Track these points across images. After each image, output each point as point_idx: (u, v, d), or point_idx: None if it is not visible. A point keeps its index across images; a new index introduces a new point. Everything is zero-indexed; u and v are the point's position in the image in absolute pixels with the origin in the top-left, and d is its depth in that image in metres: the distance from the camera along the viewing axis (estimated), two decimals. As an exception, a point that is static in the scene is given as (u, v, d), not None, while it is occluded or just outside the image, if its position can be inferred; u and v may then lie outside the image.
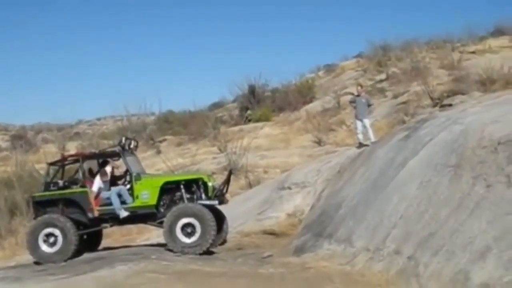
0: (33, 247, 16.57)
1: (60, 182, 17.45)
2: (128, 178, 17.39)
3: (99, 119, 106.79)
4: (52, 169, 18.02)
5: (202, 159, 35.93)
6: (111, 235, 22.15)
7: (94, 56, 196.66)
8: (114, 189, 16.79)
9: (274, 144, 37.62)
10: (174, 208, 16.35)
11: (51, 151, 42.69)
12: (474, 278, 10.06)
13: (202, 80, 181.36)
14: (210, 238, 15.88)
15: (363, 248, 13.47)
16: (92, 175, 17.87)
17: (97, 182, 17.04)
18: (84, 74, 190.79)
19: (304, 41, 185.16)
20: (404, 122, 27.59)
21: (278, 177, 25.81)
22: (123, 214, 16.43)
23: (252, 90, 51.98)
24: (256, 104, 50.20)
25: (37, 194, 17.72)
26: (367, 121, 23.74)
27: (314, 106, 46.50)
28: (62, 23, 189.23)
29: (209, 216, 15.92)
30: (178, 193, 16.95)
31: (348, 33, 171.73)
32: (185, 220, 15.96)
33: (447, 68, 42.41)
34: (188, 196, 16.81)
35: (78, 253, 16.63)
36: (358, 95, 24.36)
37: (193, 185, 16.96)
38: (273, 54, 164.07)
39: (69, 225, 16.44)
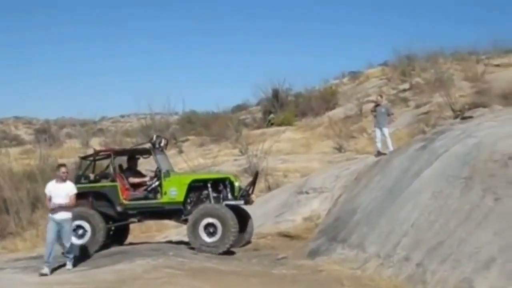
0: None
1: (91, 176, 17.93)
2: (155, 172, 17.82)
3: (122, 116, 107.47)
4: (84, 163, 18.51)
5: (223, 161, 36.27)
6: (131, 231, 22.58)
7: (119, 52, 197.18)
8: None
9: (295, 149, 37.94)
10: (201, 206, 16.85)
11: (74, 146, 43.40)
12: (477, 287, 10.41)
13: (226, 82, 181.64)
14: (229, 241, 16.31)
15: (375, 253, 13.77)
16: (122, 170, 18.39)
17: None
18: (109, 71, 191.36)
19: (330, 47, 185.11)
20: (424, 132, 27.79)
21: (297, 181, 26.13)
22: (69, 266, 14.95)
23: (275, 94, 52.34)
24: (279, 108, 50.55)
25: None
26: (386, 130, 24.05)
27: (337, 112, 46.79)
28: (88, 18, 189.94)
29: (232, 221, 16.35)
30: (205, 192, 17.44)
31: (375, 40, 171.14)
32: (209, 220, 16.38)
33: (471, 80, 42.51)
34: (214, 195, 17.28)
35: (105, 246, 17.09)
36: (378, 104, 24.69)
37: (220, 185, 17.43)
38: (299, 59, 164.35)
39: (97, 218, 16.93)
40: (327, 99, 51.05)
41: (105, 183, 17.62)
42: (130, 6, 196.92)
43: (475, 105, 32.76)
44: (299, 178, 27.32)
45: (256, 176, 18.36)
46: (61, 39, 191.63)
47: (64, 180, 14.84)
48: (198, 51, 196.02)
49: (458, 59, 52.64)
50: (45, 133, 61.85)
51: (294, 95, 54.81)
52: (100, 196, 17.47)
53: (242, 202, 17.17)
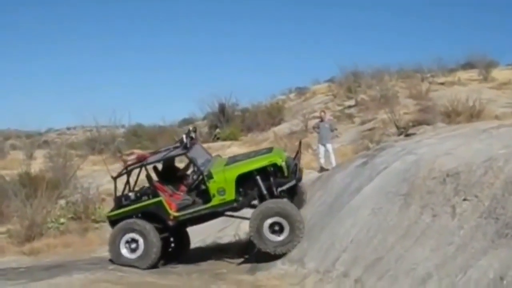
0: (116, 254, 16.31)
1: (132, 195, 16.88)
2: (196, 170, 17.07)
3: (68, 129, 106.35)
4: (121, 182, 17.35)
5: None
6: (72, 245, 22.35)
7: (65, 66, 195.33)
8: None
9: (240, 163, 37.85)
10: (256, 211, 15.78)
11: (18, 158, 42.78)
12: (413, 303, 10.48)
13: (173, 95, 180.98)
14: (300, 232, 15.45)
15: (314, 269, 13.78)
16: (158, 173, 17.83)
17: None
18: (55, 83, 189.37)
19: (278, 62, 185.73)
20: (368, 148, 27.99)
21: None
22: None
23: (222, 109, 52.47)
24: (225, 123, 50.64)
25: (111, 214, 17.06)
26: (330, 146, 24.22)
27: (282, 128, 46.97)
28: (33, 31, 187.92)
29: (293, 211, 15.57)
30: (254, 181, 16.45)
31: (323, 57, 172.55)
32: (270, 221, 15.46)
33: (415, 97, 43.10)
34: (264, 182, 16.23)
35: (164, 256, 16.81)
36: (322, 120, 24.85)
37: (267, 169, 16.33)
38: (246, 74, 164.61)
39: (148, 227, 16.17)
40: (273, 115, 51.34)
41: (149, 201, 16.48)
42: (76, 21, 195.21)
43: (419, 122, 33.25)
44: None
45: (300, 146, 17.93)
46: (5, 51, 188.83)
47: None
48: (145, 64, 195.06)
49: (403, 76, 53.49)
50: (-12, 144, 60.94)
51: (241, 110, 55.06)
52: (147, 214, 16.47)
53: (294, 181, 16.29)
